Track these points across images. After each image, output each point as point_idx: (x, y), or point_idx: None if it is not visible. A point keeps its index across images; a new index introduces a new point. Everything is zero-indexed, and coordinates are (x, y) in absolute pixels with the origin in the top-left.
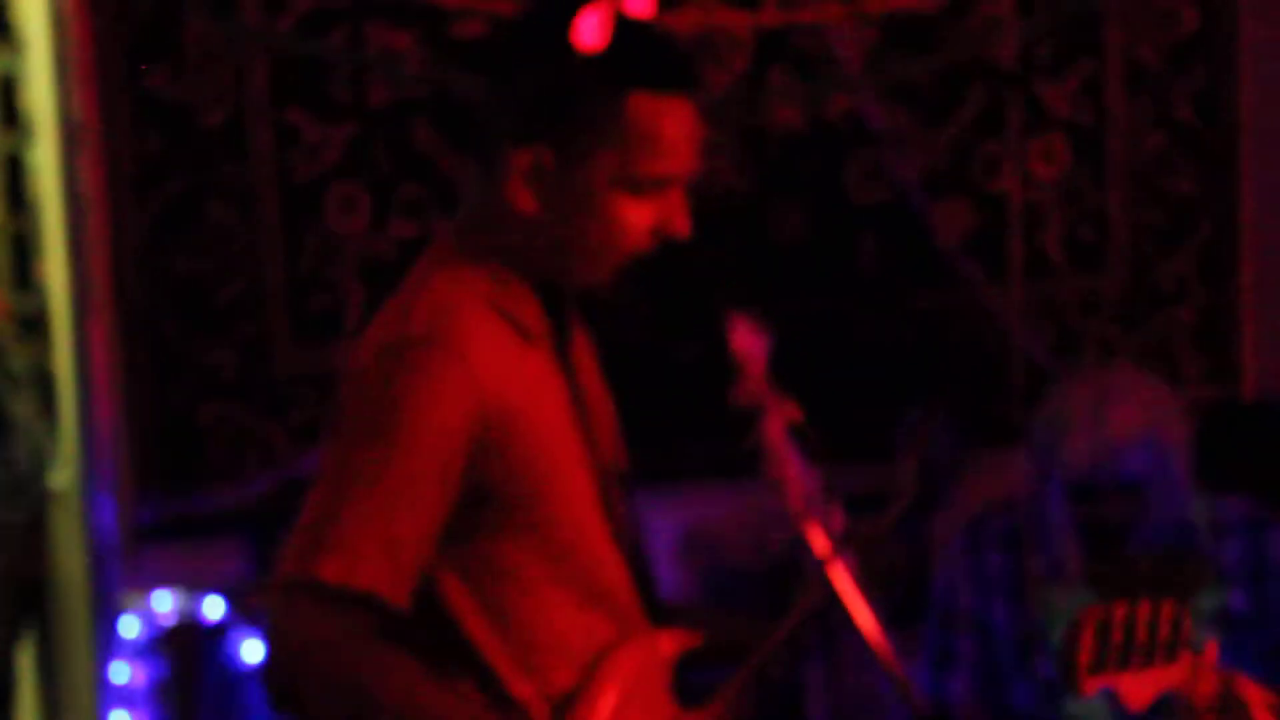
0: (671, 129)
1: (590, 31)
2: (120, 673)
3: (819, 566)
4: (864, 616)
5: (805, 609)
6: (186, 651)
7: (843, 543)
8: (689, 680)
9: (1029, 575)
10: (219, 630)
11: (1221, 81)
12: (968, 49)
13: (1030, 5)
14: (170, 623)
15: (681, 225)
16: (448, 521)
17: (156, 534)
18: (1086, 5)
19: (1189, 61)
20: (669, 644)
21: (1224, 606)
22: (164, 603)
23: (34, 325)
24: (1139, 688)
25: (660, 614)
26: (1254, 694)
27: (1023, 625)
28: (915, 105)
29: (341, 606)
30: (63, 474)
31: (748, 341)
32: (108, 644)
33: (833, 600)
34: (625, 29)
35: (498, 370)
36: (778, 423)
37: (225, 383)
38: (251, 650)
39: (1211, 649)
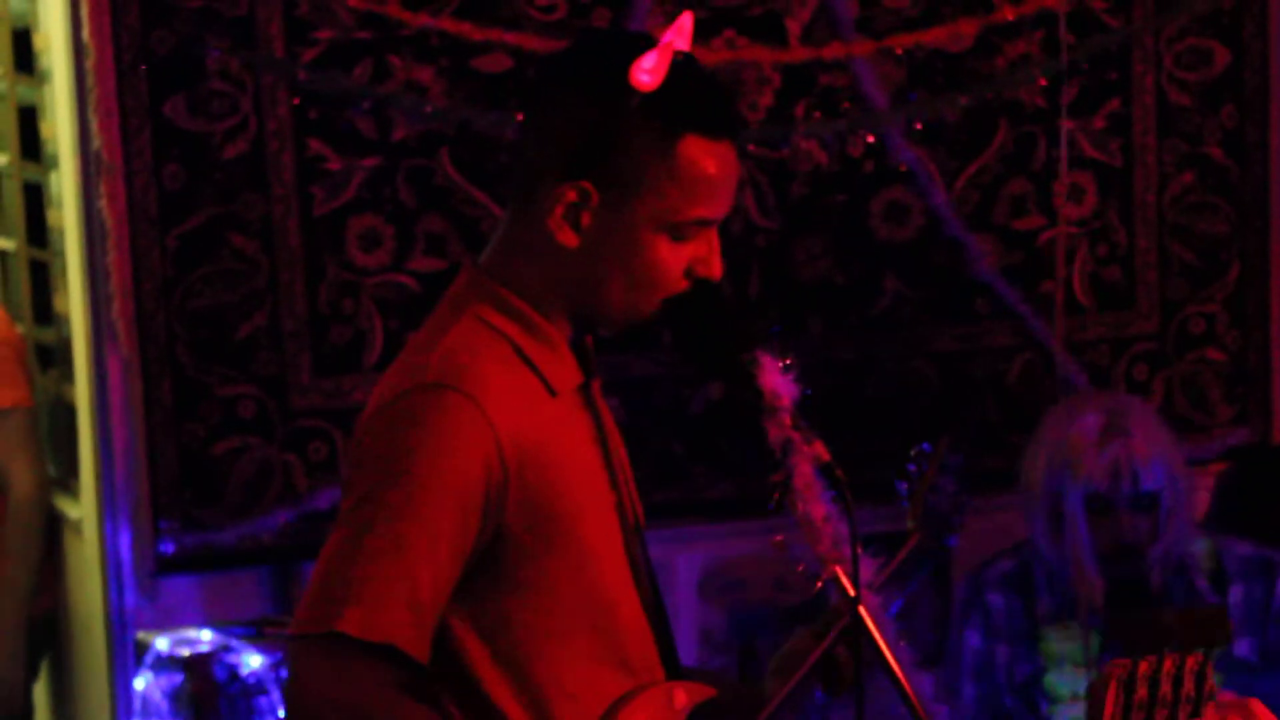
0: (717, 172)
1: (648, 71)
2: (137, 704)
3: (847, 607)
4: (892, 658)
5: (819, 657)
6: (204, 684)
7: (868, 584)
8: None
9: (1036, 617)
10: (237, 665)
11: (1252, 120)
12: (996, 87)
13: (1057, 45)
14: (188, 655)
15: (715, 267)
16: (466, 572)
17: (175, 566)
18: (1116, 42)
19: (1219, 100)
20: (683, 696)
21: (1229, 652)
22: (182, 635)
23: (53, 356)
24: None
25: (677, 669)
26: None
27: (1026, 668)
28: (941, 143)
29: (362, 659)
30: (81, 505)
31: (775, 380)
32: (125, 675)
33: (862, 641)
34: (680, 71)
35: (517, 420)
36: (805, 463)
37: (245, 416)
38: (271, 687)
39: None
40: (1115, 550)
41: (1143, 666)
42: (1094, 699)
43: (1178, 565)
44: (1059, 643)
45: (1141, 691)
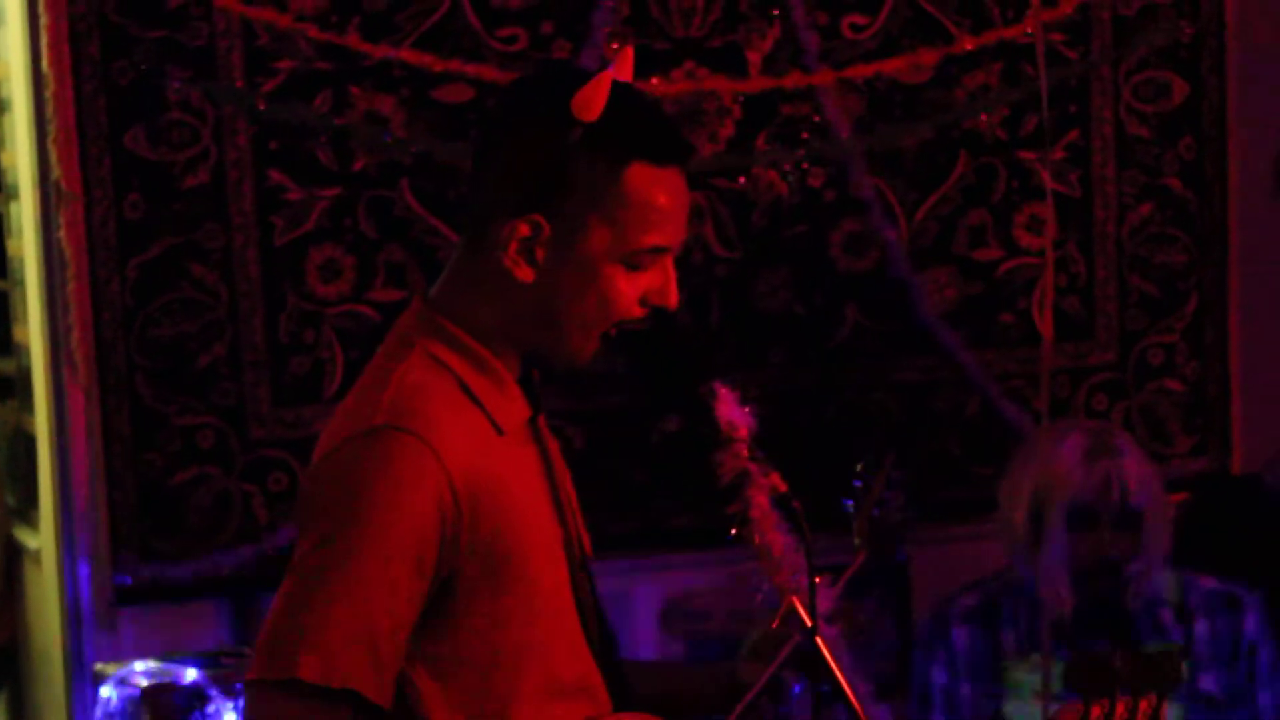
0: (666, 200)
1: (589, 103)
2: None
3: (804, 637)
4: (849, 689)
5: (769, 677)
6: (162, 713)
7: (827, 615)
8: None
9: (1001, 652)
10: (195, 695)
11: (1210, 152)
12: (954, 118)
13: (1017, 76)
14: (146, 687)
15: (671, 296)
16: (419, 612)
17: (133, 597)
18: (1074, 75)
19: (1178, 132)
20: None
21: (1194, 687)
22: (140, 667)
23: (12, 386)
24: None
25: (625, 700)
26: None
27: (992, 705)
28: (901, 175)
29: (321, 705)
30: (40, 535)
31: (732, 411)
32: (84, 705)
33: (819, 670)
34: (621, 100)
35: (468, 460)
36: (762, 494)
37: (204, 446)
38: (228, 716)
39: None
40: (1094, 566)
41: (1095, 710)
42: None
43: (1146, 598)
44: (1022, 673)
45: None
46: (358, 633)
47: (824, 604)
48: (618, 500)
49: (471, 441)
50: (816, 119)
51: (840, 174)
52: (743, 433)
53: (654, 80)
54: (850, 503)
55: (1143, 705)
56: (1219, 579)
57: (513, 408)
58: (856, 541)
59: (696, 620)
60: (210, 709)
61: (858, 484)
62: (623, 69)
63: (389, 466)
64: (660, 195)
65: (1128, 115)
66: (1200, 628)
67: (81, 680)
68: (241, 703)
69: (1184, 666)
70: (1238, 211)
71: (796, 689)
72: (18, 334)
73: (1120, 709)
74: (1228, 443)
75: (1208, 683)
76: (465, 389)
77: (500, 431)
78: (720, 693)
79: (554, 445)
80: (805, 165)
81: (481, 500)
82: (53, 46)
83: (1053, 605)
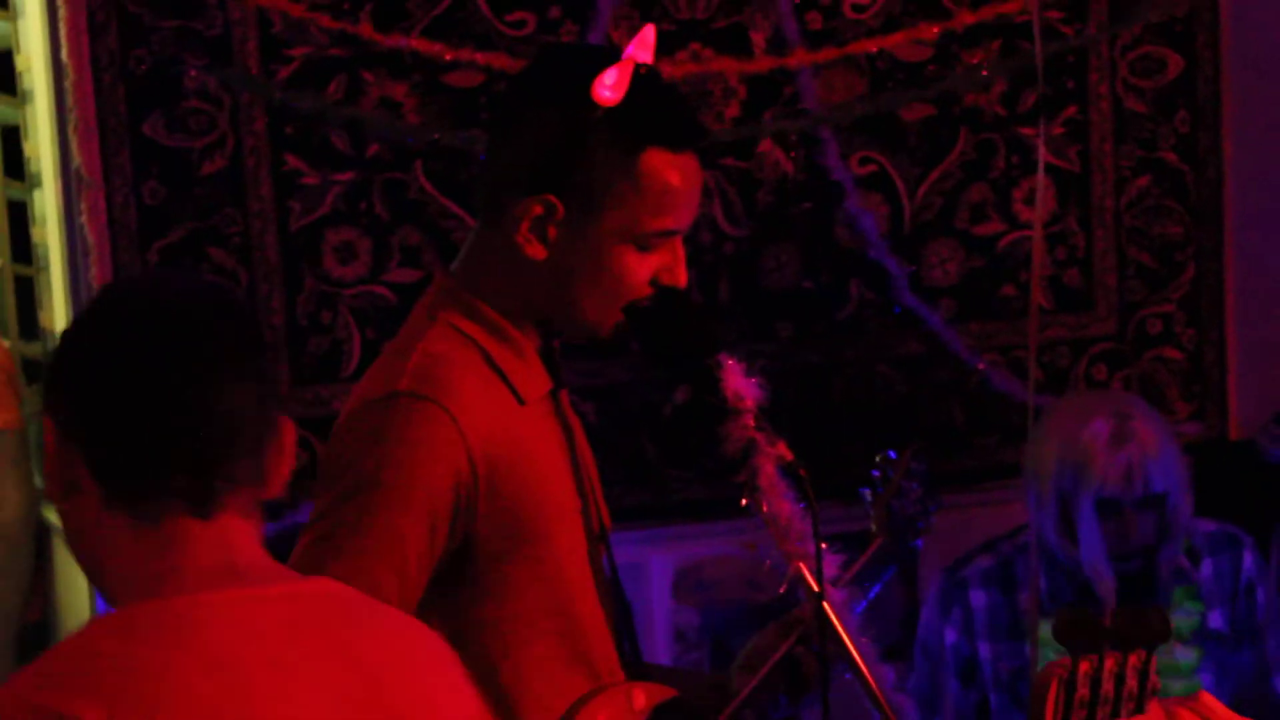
0: (680, 184)
1: (610, 86)
2: None
3: (811, 602)
4: (855, 651)
5: (779, 659)
6: None
7: (832, 580)
8: None
9: (1019, 612)
10: None
11: (1205, 126)
12: (950, 92)
13: (1014, 53)
14: None
15: (681, 276)
16: (434, 576)
17: None
18: (1070, 49)
19: (1173, 106)
20: (642, 697)
21: (1203, 625)
22: None
23: (39, 370)
24: None
25: (639, 670)
26: None
27: (1011, 663)
28: (904, 151)
29: None
30: None
31: (738, 382)
32: None
33: (826, 636)
34: (642, 84)
35: (488, 429)
36: (769, 463)
37: None
38: None
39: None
40: (1123, 549)
41: (1084, 666)
42: (1035, 699)
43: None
44: (1047, 632)
45: (1083, 690)
46: (368, 592)
47: (830, 570)
48: (631, 473)
49: (493, 410)
50: (800, 107)
51: (845, 153)
52: (749, 403)
53: (661, 63)
54: (868, 491)
55: (1132, 660)
56: (1216, 521)
57: (534, 378)
58: (873, 529)
59: (709, 589)
60: None
61: (876, 474)
62: (643, 49)
63: (407, 432)
64: (675, 179)
65: (1124, 90)
66: (1205, 567)
67: None
68: None
69: (1192, 611)
70: (1232, 183)
71: (784, 700)
72: (43, 319)
73: (1109, 664)
74: (1224, 409)
75: (1216, 620)
76: (488, 359)
77: (522, 401)
78: (714, 701)
79: (575, 419)
80: (794, 138)
81: (500, 468)
82: (71, 38)
83: (1099, 591)
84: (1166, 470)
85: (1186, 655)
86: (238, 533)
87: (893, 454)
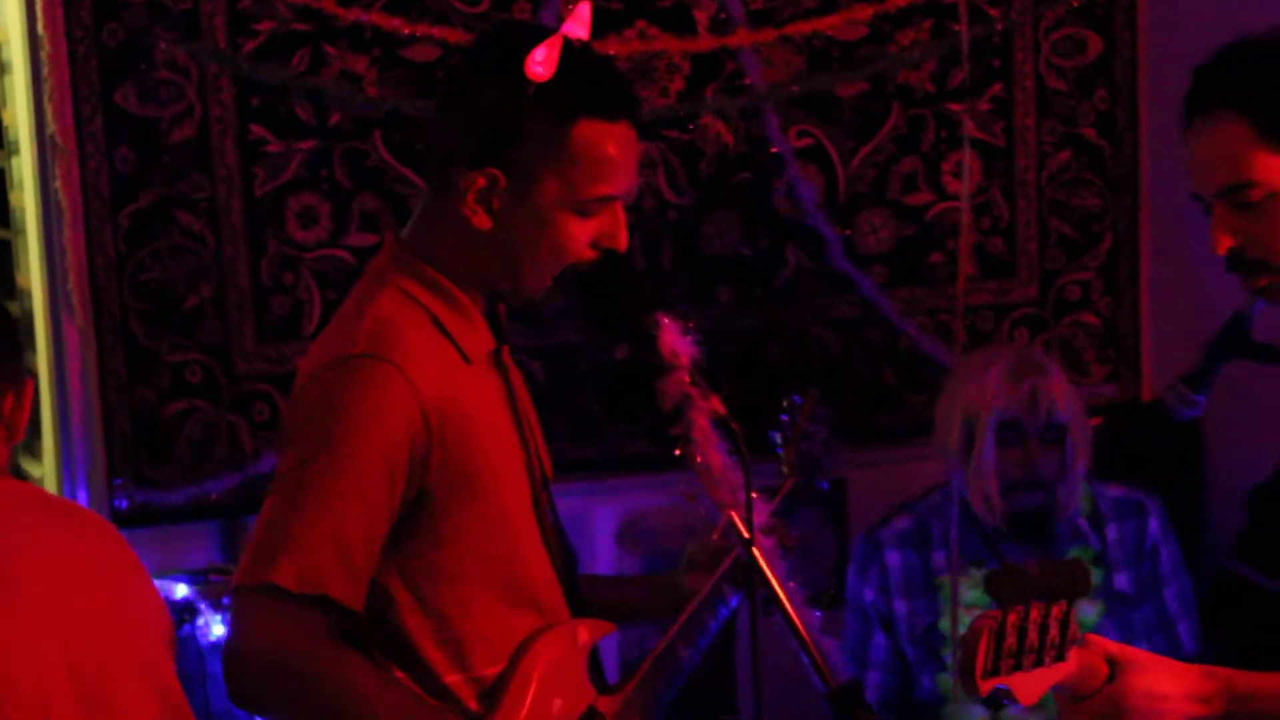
0: (615, 152)
1: (541, 62)
2: None
3: (741, 549)
4: (783, 594)
5: (707, 591)
6: None
7: (762, 528)
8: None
9: (932, 570)
10: (186, 609)
11: (1122, 104)
12: (883, 70)
13: (945, 33)
14: None
15: (621, 240)
16: (392, 527)
17: (129, 521)
18: (996, 31)
19: (1093, 85)
20: (585, 633)
21: (1110, 588)
22: None
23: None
24: (1030, 685)
25: (581, 609)
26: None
27: (926, 619)
28: (839, 125)
29: (296, 608)
30: (42, 465)
31: (675, 340)
32: None
33: (756, 580)
34: (572, 58)
35: (438, 386)
36: (703, 416)
37: (193, 381)
38: (217, 630)
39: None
40: (1023, 479)
41: (1011, 617)
42: (967, 649)
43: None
44: (965, 592)
45: (1011, 640)
46: (332, 543)
47: (759, 518)
48: (577, 428)
49: (441, 369)
50: (746, 81)
51: (784, 126)
52: (685, 360)
53: (609, 39)
54: (777, 435)
55: (1054, 610)
56: (1124, 487)
57: (479, 339)
58: (784, 470)
59: (651, 538)
60: (200, 621)
61: (784, 418)
62: (579, 26)
63: (364, 391)
64: (610, 148)
65: (1047, 70)
66: (1111, 532)
67: None
68: (228, 615)
69: (1093, 573)
70: (1148, 158)
71: (734, 600)
72: (20, 279)
73: (1034, 614)
74: (1138, 372)
75: (1121, 582)
76: (435, 321)
77: (468, 361)
78: (666, 600)
79: (517, 375)
80: (750, 116)
81: (450, 423)
82: (47, 11)
83: (983, 514)
84: (1070, 405)
85: (1088, 611)
86: None
87: (798, 399)
